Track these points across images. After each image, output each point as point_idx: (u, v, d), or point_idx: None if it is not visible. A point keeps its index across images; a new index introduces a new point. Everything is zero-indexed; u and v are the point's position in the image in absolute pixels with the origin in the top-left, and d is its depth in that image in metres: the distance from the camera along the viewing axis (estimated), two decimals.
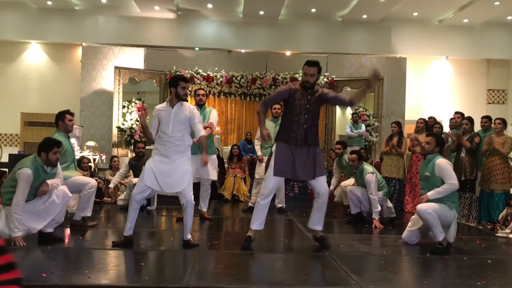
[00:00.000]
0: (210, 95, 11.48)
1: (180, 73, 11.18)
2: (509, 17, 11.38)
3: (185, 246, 4.46)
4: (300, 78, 10.98)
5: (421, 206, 4.68)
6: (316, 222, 4.69)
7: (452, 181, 4.69)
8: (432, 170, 4.81)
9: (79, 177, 5.41)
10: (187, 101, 4.59)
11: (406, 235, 5.06)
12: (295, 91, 4.48)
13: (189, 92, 10.90)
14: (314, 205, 4.70)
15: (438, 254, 4.48)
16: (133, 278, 3.43)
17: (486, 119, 7.27)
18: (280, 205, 7.25)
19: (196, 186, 6.34)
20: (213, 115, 6.12)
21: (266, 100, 4.74)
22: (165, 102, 4.55)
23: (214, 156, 6.21)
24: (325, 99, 4.57)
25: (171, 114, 4.41)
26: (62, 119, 5.32)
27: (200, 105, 6.11)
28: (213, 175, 6.10)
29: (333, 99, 4.66)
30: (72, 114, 5.45)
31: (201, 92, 6.23)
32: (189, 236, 4.52)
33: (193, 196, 4.53)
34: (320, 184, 4.55)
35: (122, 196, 7.27)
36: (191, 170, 4.56)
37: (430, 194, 4.68)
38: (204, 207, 6.23)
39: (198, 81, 11.25)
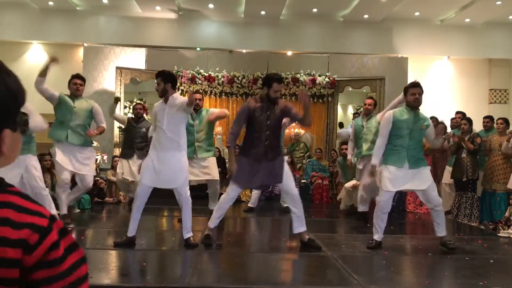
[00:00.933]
0: (212, 95, 11.49)
1: (181, 73, 11.19)
2: (510, 17, 11.34)
3: (186, 245, 4.46)
4: (301, 79, 11.11)
5: (440, 201, 4.73)
6: (299, 225, 4.59)
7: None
8: (428, 124, 4.85)
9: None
10: (162, 96, 4.51)
11: None
12: (254, 109, 4.43)
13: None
14: (291, 209, 4.61)
15: (452, 250, 4.58)
16: (135, 278, 3.44)
17: (488, 119, 7.27)
18: (286, 205, 7.23)
19: (204, 187, 6.33)
20: (212, 110, 6.22)
21: (232, 131, 4.56)
22: (161, 100, 4.56)
23: (213, 158, 6.12)
24: (286, 114, 4.54)
25: (165, 109, 4.44)
26: (68, 83, 5.73)
27: (196, 110, 5.96)
28: (211, 176, 6.02)
29: (293, 116, 4.57)
30: (79, 78, 5.68)
31: (198, 96, 6.02)
32: (188, 235, 4.52)
33: (189, 192, 4.54)
34: (288, 187, 4.56)
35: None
36: (187, 166, 4.58)
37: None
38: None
39: (200, 81, 11.26)
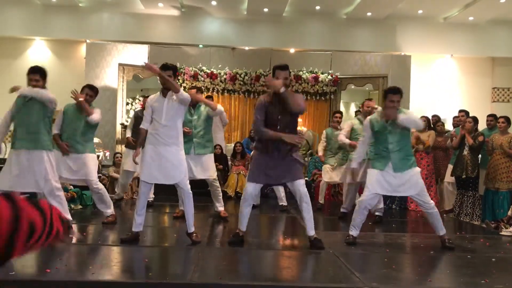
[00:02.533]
0: (214, 92, 11.49)
1: (183, 70, 11.19)
2: None
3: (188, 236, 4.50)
4: (304, 76, 11.09)
5: (431, 203, 4.71)
6: (308, 228, 4.53)
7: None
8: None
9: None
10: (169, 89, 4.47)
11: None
12: (268, 103, 4.38)
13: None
14: (301, 209, 4.55)
15: (450, 250, 4.56)
16: (137, 274, 3.45)
17: (492, 117, 7.25)
18: (281, 203, 7.25)
19: (205, 184, 6.25)
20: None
21: (256, 119, 4.40)
22: (158, 93, 4.57)
23: (210, 155, 5.99)
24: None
25: (164, 103, 4.43)
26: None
27: (194, 105, 5.91)
28: (206, 174, 5.90)
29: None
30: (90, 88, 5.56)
31: (193, 91, 5.97)
32: (192, 229, 4.52)
33: (189, 185, 4.54)
34: (297, 186, 4.44)
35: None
36: (185, 159, 4.56)
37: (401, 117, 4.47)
38: (219, 206, 6.12)
39: (202, 78, 11.25)
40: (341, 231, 5.82)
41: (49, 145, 4.75)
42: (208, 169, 5.92)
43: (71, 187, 6.90)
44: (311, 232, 4.53)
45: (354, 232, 4.79)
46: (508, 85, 12.39)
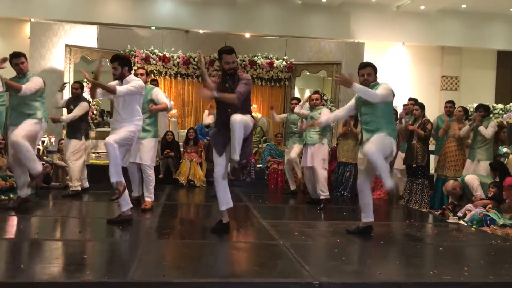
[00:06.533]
0: (167, 76, 11.18)
1: (135, 53, 10.81)
2: (463, 5, 11.56)
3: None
4: (258, 61, 10.95)
5: (367, 149, 4.49)
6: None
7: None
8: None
9: None
10: (120, 79, 4.95)
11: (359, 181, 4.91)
12: (217, 84, 4.44)
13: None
14: None
15: (355, 234, 4.71)
16: (74, 273, 3.20)
17: (451, 103, 7.36)
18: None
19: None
20: (158, 95, 5.78)
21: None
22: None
23: (150, 140, 5.71)
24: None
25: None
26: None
27: None
28: (141, 159, 5.66)
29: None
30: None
31: (141, 71, 5.83)
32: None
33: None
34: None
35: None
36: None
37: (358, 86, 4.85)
38: (146, 196, 5.74)
39: (154, 62, 10.90)
40: (292, 220, 5.78)
41: None
42: (142, 155, 5.65)
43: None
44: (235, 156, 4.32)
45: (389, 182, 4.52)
46: (456, 74, 12.72)
